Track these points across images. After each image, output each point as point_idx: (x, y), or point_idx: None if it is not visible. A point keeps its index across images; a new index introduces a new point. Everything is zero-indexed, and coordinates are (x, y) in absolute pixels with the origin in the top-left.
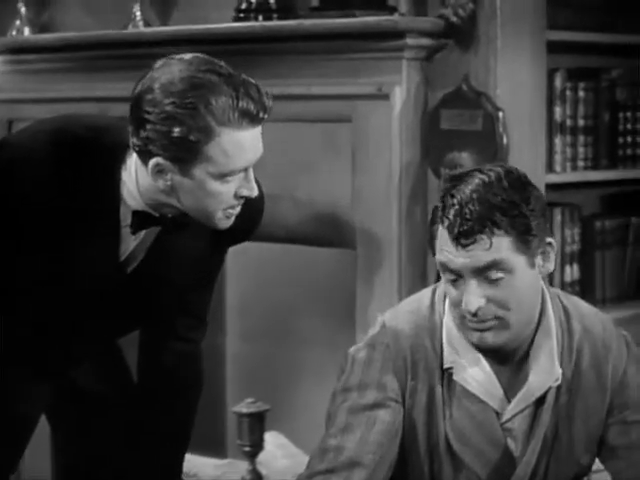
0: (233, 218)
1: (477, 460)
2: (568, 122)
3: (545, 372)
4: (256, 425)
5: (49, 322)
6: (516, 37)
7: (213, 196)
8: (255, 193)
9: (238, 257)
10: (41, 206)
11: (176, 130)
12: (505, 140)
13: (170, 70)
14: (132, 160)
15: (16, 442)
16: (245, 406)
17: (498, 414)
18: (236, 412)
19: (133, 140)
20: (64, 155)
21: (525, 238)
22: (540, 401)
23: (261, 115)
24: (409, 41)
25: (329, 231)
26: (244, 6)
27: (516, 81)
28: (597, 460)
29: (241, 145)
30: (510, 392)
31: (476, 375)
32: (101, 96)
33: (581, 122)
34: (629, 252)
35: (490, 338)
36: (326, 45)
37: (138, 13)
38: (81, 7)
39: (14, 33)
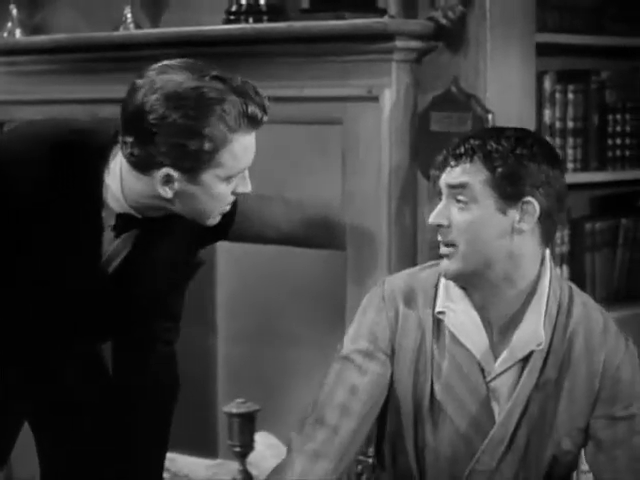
0: (221, 216)
1: (459, 411)
2: (557, 124)
3: (529, 334)
4: (246, 425)
5: (30, 322)
6: (505, 40)
7: (217, 198)
8: (250, 188)
9: (229, 258)
10: (24, 206)
11: (191, 142)
12: None
13: (171, 79)
14: (116, 163)
15: (4, 436)
16: (235, 406)
17: (484, 372)
18: (226, 412)
19: (132, 151)
20: (48, 157)
21: (499, 178)
22: (525, 364)
23: (264, 118)
24: (399, 43)
25: (319, 232)
26: (234, 8)
27: (505, 83)
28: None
29: (247, 148)
30: (497, 352)
31: (465, 323)
32: (92, 98)
33: (570, 124)
34: (619, 254)
35: (444, 265)
36: (316, 47)
37: (129, 15)
38: (73, 9)
39: (5, 35)
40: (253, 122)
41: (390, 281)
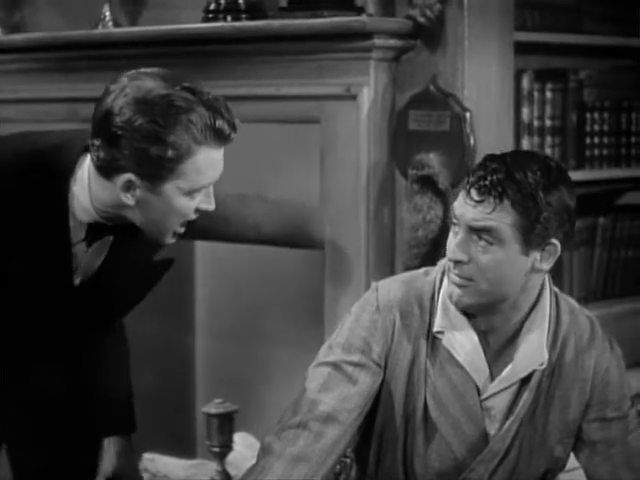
0: (176, 237)
1: (452, 431)
2: (536, 123)
3: (532, 354)
4: (225, 426)
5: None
6: (484, 38)
7: (177, 212)
8: (213, 207)
9: (208, 258)
10: None
11: (154, 148)
12: (473, 141)
13: (142, 85)
14: (83, 171)
15: None
16: (214, 407)
17: (479, 390)
18: (205, 413)
19: (99, 154)
20: (8, 180)
21: (528, 222)
22: (524, 382)
23: (232, 135)
24: (377, 42)
25: (297, 231)
26: (213, 7)
27: (484, 82)
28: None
29: (212, 163)
30: (495, 371)
31: (464, 344)
32: (72, 96)
33: (548, 123)
34: (597, 253)
35: (456, 294)
36: (294, 46)
37: (108, 13)
38: (52, 8)
39: None
40: (220, 137)
41: (384, 289)
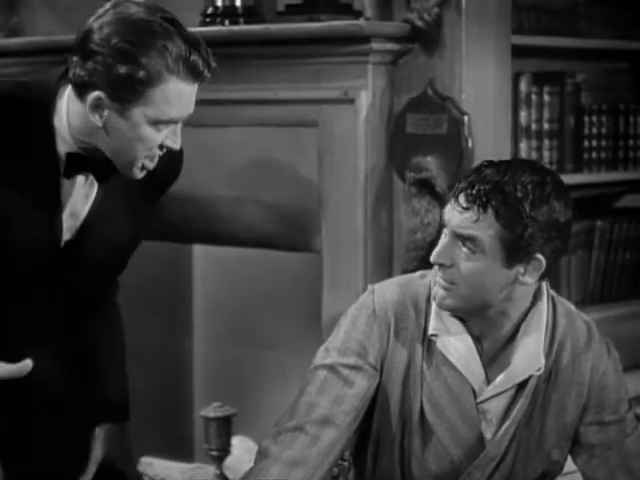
0: (145, 172)
1: (448, 434)
2: (533, 126)
3: (529, 359)
4: (223, 429)
5: None
6: (481, 41)
7: (142, 140)
8: (178, 146)
9: (205, 261)
10: None
11: (125, 66)
12: (470, 144)
13: (125, 10)
14: (62, 103)
15: None
16: (212, 410)
17: (475, 393)
18: (203, 416)
19: (76, 70)
20: None
21: (512, 237)
22: (520, 387)
23: (206, 73)
24: (375, 45)
25: (295, 234)
26: (210, 10)
27: (481, 85)
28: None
29: (182, 96)
30: (490, 374)
31: (458, 347)
32: None
33: (546, 126)
34: (594, 256)
35: (439, 295)
36: (292, 49)
37: None
38: (49, 12)
39: None
40: (193, 72)
41: (380, 292)
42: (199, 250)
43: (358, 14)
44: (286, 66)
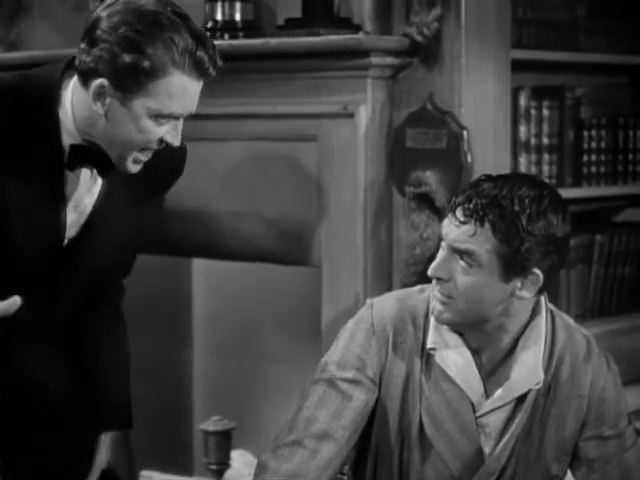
0: (140, 166)
1: (447, 448)
2: (533, 140)
3: (528, 374)
4: (222, 443)
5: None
6: (481, 56)
7: (142, 132)
8: (178, 142)
9: (205, 274)
10: None
11: (131, 55)
12: (470, 159)
13: (137, 0)
14: (67, 95)
15: None
16: (212, 424)
17: (474, 407)
18: (203, 430)
19: (82, 57)
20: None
21: (509, 251)
22: (519, 401)
23: (211, 70)
24: (374, 60)
25: (294, 249)
26: (210, 24)
27: (481, 99)
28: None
29: (186, 92)
30: (489, 388)
31: (457, 361)
32: None
33: (545, 140)
34: (594, 270)
35: (437, 309)
36: (291, 64)
37: None
38: (49, 26)
39: None
40: (198, 68)
41: (379, 306)
42: (199, 264)
43: (357, 28)
44: (286, 80)
